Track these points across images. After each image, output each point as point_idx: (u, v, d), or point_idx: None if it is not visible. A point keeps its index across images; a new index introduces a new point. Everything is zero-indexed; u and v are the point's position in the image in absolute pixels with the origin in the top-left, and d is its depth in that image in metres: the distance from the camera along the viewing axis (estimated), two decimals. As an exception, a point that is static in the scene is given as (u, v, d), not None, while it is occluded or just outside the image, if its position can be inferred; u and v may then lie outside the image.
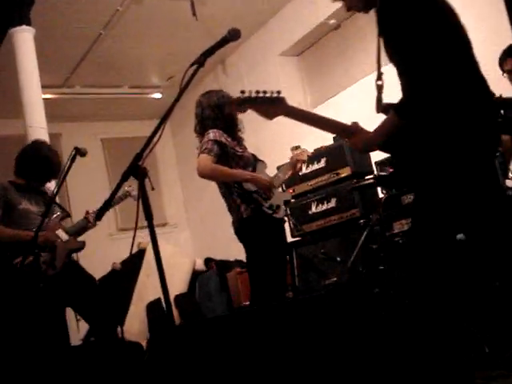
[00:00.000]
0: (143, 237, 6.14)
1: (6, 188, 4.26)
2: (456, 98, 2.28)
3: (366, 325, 3.75)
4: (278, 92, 2.55)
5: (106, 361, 4.22)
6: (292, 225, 5.35)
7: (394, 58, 2.36)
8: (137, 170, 2.27)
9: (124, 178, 2.28)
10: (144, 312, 6.89)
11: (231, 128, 4.03)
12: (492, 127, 2.34)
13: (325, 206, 5.20)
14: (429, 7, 2.29)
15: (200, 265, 7.61)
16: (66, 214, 4.45)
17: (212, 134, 3.90)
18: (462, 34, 2.38)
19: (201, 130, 4.03)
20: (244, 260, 7.19)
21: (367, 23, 6.60)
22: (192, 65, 2.63)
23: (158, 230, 5.86)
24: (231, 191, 3.92)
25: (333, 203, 5.14)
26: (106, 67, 7.87)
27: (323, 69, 7.38)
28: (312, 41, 7.34)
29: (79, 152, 3.87)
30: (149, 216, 2.28)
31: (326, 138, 4.97)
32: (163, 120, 2.41)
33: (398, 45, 2.32)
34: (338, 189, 5.10)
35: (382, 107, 2.50)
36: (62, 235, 4.29)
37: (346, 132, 2.60)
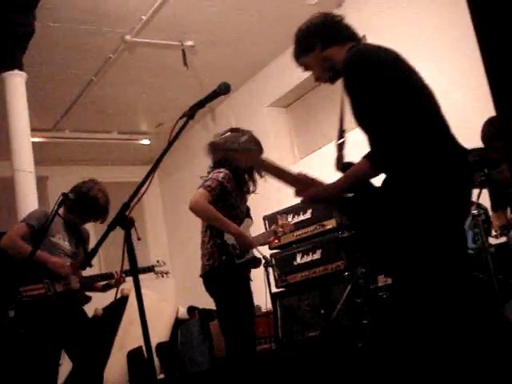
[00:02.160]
0: (126, 283, 6.10)
1: (46, 216, 4.21)
2: (420, 147, 2.37)
3: (350, 379, 3.73)
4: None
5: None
6: (276, 275, 5.34)
7: (359, 120, 2.50)
8: (124, 220, 2.28)
9: (110, 227, 2.28)
10: (125, 360, 6.80)
11: (240, 177, 4.00)
12: (460, 175, 2.40)
13: (310, 258, 5.20)
14: (384, 69, 2.45)
15: (183, 313, 7.55)
16: (85, 262, 4.41)
17: (222, 174, 3.84)
18: (418, 86, 2.50)
19: (214, 165, 4.00)
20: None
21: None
22: (182, 117, 2.65)
23: (141, 277, 5.83)
24: (211, 235, 3.86)
25: (318, 255, 5.15)
26: (95, 112, 7.93)
27: (311, 121, 7.47)
28: (300, 93, 7.44)
29: (66, 198, 3.87)
30: (133, 265, 2.28)
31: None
32: (152, 170, 2.42)
33: (361, 106, 2.47)
34: (324, 240, 5.12)
35: (341, 165, 2.62)
36: (74, 282, 4.26)
37: (299, 183, 2.64)
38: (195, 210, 3.76)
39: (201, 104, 2.67)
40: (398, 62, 2.53)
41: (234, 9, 6.19)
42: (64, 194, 4.16)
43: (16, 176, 5.37)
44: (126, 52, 6.56)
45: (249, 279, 3.99)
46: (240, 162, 3.05)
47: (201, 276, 3.90)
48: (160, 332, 7.12)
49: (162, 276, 4.93)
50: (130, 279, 4.93)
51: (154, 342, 7.11)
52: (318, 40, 2.72)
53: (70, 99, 7.36)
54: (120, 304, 7.26)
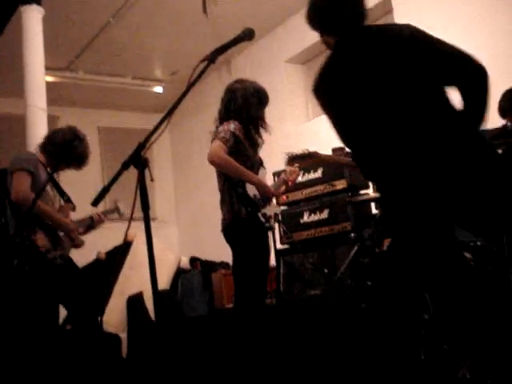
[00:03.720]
0: (131, 228, 6.07)
1: (37, 162, 4.13)
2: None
3: (351, 338, 3.73)
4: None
5: (84, 350, 4.19)
6: (282, 232, 5.32)
7: None
8: (138, 159, 2.24)
9: (124, 166, 2.24)
10: (124, 305, 6.82)
11: (253, 126, 3.96)
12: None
13: (317, 217, 5.17)
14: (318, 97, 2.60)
15: (185, 263, 7.56)
16: (73, 207, 4.40)
17: (233, 125, 3.80)
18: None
19: (224, 116, 3.96)
20: (230, 263, 7.23)
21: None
22: (202, 61, 2.60)
23: (143, 224, 5.81)
24: (232, 188, 3.84)
25: (325, 214, 5.12)
26: (110, 55, 7.83)
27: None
28: (319, 51, 7.31)
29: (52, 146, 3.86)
30: (145, 207, 2.25)
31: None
32: (169, 113, 2.39)
33: None
34: (332, 200, 5.08)
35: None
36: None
37: None
38: (215, 162, 3.71)
39: (223, 48, 2.62)
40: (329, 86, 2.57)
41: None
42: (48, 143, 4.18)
43: (28, 112, 5.32)
44: (146, -5, 6.45)
45: (269, 229, 3.98)
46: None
47: (222, 230, 3.92)
48: (161, 280, 7.12)
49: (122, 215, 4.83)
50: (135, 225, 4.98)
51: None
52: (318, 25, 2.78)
53: (86, 40, 7.26)
54: (124, 249, 7.27)
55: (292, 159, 4.10)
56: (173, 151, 9.86)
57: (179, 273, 7.42)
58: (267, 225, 3.94)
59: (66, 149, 4.18)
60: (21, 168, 4.02)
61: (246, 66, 7.93)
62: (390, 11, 6.09)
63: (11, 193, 3.92)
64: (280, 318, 4.66)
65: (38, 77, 5.48)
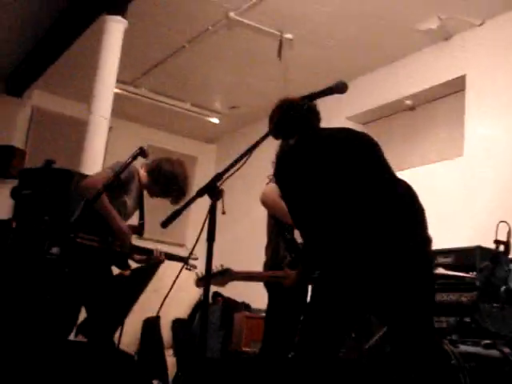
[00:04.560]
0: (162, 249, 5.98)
1: (134, 175, 4.14)
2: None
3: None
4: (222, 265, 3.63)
5: (97, 364, 4.13)
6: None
7: None
8: (214, 189, 2.22)
9: (199, 194, 2.23)
10: (140, 325, 6.77)
11: None
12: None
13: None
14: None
15: (207, 296, 7.49)
16: (140, 231, 4.36)
17: None
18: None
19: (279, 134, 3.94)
20: (251, 304, 7.15)
21: (442, 114, 6.61)
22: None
23: (173, 250, 5.78)
24: (281, 233, 3.81)
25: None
26: (175, 79, 7.95)
27: (384, 144, 7.32)
28: (382, 114, 7.33)
29: (142, 153, 3.81)
30: (211, 239, 2.23)
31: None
32: (253, 147, 2.37)
33: None
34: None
35: None
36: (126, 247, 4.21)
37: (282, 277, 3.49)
38: (266, 203, 3.70)
39: (313, 96, 2.63)
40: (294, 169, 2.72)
41: (343, 16, 6.11)
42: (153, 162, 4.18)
43: (91, 119, 5.38)
44: (225, 28, 6.52)
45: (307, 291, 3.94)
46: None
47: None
48: (180, 308, 7.09)
49: (190, 269, 4.72)
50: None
51: (171, 316, 7.10)
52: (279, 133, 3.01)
53: (157, 59, 7.36)
54: (150, 270, 7.24)
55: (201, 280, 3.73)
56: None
57: (199, 305, 7.36)
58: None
59: (174, 186, 4.20)
60: (110, 167, 4.02)
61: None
62: (462, 89, 6.08)
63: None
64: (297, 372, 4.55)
65: (107, 87, 5.56)
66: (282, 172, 2.78)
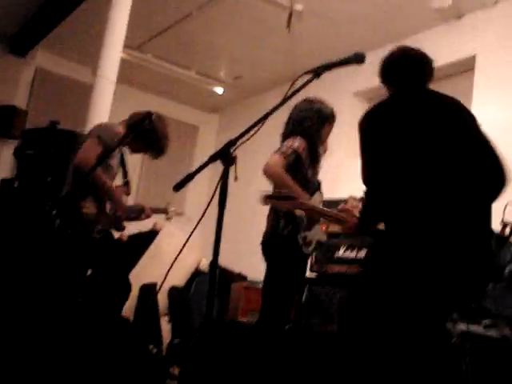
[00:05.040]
0: (160, 218, 6.01)
1: (118, 136, 4.10)
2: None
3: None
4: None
5: (94, 326, 4.15)
6: (314, 260, 5.25)
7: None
8: (227, 155, 2.20)
9: (212, 159, 2.21)
10: (137, 291, 6.78)
11: (316, 147, 3.95)
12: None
13: (353, 254, 5.10)
14: (370, 136, 2.71)
15: (204, 265, 7.49)
16: (128, 191, 4.39)
17: (298, 143, 3.80)
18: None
19: (290, 132, 3.95)
20: (247, 276, 7.16)
21: (450, 93, 6.55)
22: (307, 73, 2.57)
23: (174, 218, 5.74)
24: None
25: (362, 254, 5.03)
26: (182, 46, 7.84)
27: (389, 122, 7.31)
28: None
29: (150, 118, 3.80)
30: (222, 206, 2.21)
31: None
32: (266, 115, 2.33)
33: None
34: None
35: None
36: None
37: (341, 221, 3.14)
38: (269, 174, 3.70)
39: (330, 66, 2.63)
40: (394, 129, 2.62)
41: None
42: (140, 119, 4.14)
43: (97, 83, 5.33)
44: (235, -4, 6.44)
45: (306, 264, 3.96)
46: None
47: (261, 243, 3.89)
48: (177, 276, 7.08)
49: (169, 219, 4.83)
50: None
51: (168, 283, 7.10)
52: (385, 77, 3.04)
53: (164, 25, 7.27)
54: (148, 237, 7.24)
55: (268, 198, 3.48)
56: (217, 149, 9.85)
57: (196, 274, 7.37)
58: (304, 250, 3.89)
59: (155, 141, 4.20)
60: (96, 136, 4.01)
61: (311, 86, 7.87)
62: (471, 69, 6.03)
63: (76, 156, 3.91)
64: (293, 346, 4.59)
65: (114, 51, 5.50)
66: (373, 122, 2.72)
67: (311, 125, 3.94)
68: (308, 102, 4.04)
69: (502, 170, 2.60)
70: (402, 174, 2.51)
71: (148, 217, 4.48)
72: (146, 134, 4.20)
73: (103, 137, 3.99)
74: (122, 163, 4.36)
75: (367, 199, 2.69)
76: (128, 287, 4.29)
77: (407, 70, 2.89)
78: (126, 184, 4.37)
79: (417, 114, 2.63)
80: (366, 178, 2.65)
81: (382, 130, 2.62)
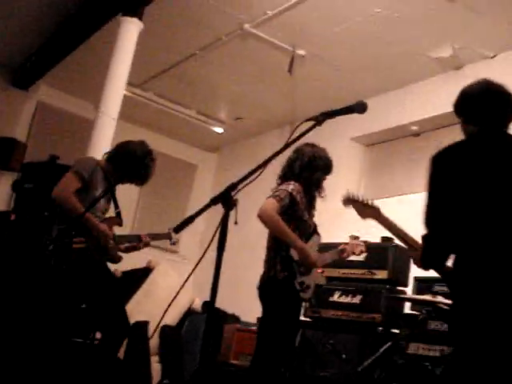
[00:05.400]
0: (155, 256, 5.98)
1: (95, 169, 4.18)
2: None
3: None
4: (372, 201, 3.24)
5: (86, 365, 4.10)
6: (308, 304, 5.22)
7: None
8: (228, 199, 2.21)
9: (213, 202, 2.22)
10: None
11: (311, 191, 3.98)
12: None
13: (348, 299, 5.07)
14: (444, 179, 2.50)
15: (197, 305, 7.46)
16: (120, 222, 4.38)
17: (292, 186, 3.85)
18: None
19: (286, 175, 3.99)
20: (239, 316, 7.12)
21: (447, 142, 6.59)
22: (309, 120, 2.59)
23: (166, 255, 5.75)
24: (278, 248, 3.83)
25: (357, 300, 5.02)
26: (184, 85, 7.93)
27: (386, 168, 7.35)
28: (386, 137, 7.33)
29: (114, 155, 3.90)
30: (221, 248, 2.21)
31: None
32: (267, 161, 2.35)
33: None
34: (368, 288, 4.99)
35: None
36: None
37: (413, 247, 2.86)
38: (263, 218, 3.73)
39: (332, 114, 2.63)
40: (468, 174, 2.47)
41: (357, 37, 6.11)
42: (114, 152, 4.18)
43: (99, 119, 5.36)
44: (238, 39, 6.52)
45: (301, 308, 3.95)
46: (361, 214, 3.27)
47: (258, 286, 3.88)
48: (170, 315, 7.04)
49: (174, 244, 4.75)
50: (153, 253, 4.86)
51: (161, 322, 7.04)
52: (464, 112, 2.73)
53: (167, 64, 7.35)
54: (142, 274, 7.22)
55: (349, 200, 3.34)
56: (214, 190, 9.83)
57: (188, 313, 7.33)
58: (302, 295, 3.88)
59: (135, 164, 4.19)
60: (74, 171, 4.07)
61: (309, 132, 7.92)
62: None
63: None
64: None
65: (117, 88, 5.54)
66: (445, 163, 2.53)
67: (307, 168, 3.98)
68: (309, 146, 4.08)
69: None
70: (474, 219, 2.39)
71: (147, 245, 4.41)
72: (125, 161, 4.23)
73: (81, 171, 4.09)
74: (112, 194, 4.37)
75: (429, 240, 2.53)
76: (126, 327, 4.23)
77: (490, 108, 2.63)
78: (118, 215, 4.37)
79: (497, 160, 2.48)
80: (430, 220, 2.50)
81: (458, 172, 2.47)
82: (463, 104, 2.73)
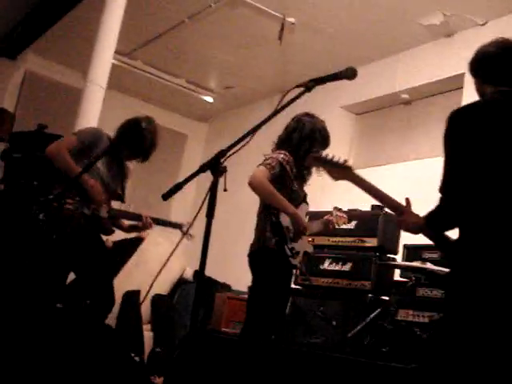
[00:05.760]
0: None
1: (100, 138, 4.15)
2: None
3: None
4: (345, 160, 2.91)
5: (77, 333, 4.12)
6: (299, 272, 5.24)
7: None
8: (217, 166, 2.20)
9: (201, 169, 2.21)
10: (120, 298, 6.75)
11: (303, 163, 3.96)
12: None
13: (338, 267, 5.10)
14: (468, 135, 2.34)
15: (188, 274, 7.48)
16: (119, 196, 4.36)
17: (283, 155, 3.83)
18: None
19: (280, 145, 3.98)
20: (230, 285, 7.16)
21: (438, 110, 6.60)
22: (298, 86, 2.58)
23: (160, 227, 5.71)
24: (267, 215, 3.83)
25: (347, 267, 5.04)
26: (172, 54, 7.86)
27: (376, 137, 7.34)
28: (377, 106, 7.31)
29: (138, 123, 3.84)
30: (210, 215, 2.21)
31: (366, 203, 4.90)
32: (257, 127, 2.34)
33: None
34: (358, 255, 5.01)
35: None
36: (103, 210, 4.19)
37: (397, 210, 2.71)
38: (253, 185, 3.71)
39: (321, 80, 2.62)
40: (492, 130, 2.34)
41: (346, 5, 6.06)
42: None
43: (87, 88, 5.32)
44: (228, 6, 6.44)
45: (291, 275, 3.96)
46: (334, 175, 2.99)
47: (248, 254, 3.89)
48: (161, 284, 7.05)
49: (187, 239, 4.64)
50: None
51: (152, 291, 7.07)
52: (481, 72, 2.60)
53: (156, 32, 7.28)
54: (133, 243, 7.22)
55: (317, 159, 3.04)
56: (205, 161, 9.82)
57: (180, 282, 7.35)
58: (292, 261, 3.90)
59: (140, 139, 4.19)
60: (75, 133, 4.09)
61: (299, 100, 7.89)
62: (460, 88, 6.07)
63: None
64: (274, 357, 4.57)
65: (106, 57, 5.50)
66: (464, 122, 2.39)
67: (306, 138, 3.95)
68: (309, 117, 4.06)
69: None
70: (491, 183, 2.28)
71: (148, 227, 4.38)
72: (132, 139, 4.21)
73: (79, 134, 4.13)
74: (121, 174, 4.37)
75: (443, 204, 2.42)
76: (112, 299, 4.24)
77: (510, 67, 2.51)
78: (121, 191, 4.36)
79: None
80: (449, 185, 2.39)
81: (477, 133, 2.33)
82: (480, 64, 2.59)
